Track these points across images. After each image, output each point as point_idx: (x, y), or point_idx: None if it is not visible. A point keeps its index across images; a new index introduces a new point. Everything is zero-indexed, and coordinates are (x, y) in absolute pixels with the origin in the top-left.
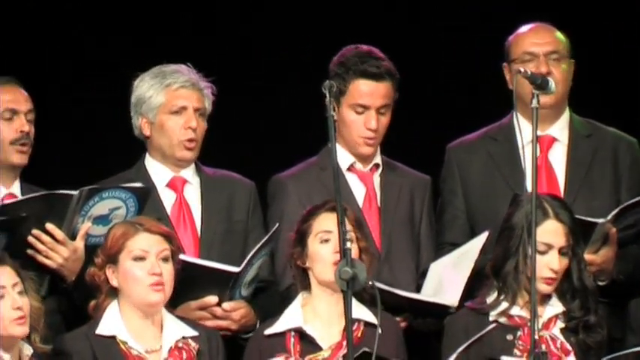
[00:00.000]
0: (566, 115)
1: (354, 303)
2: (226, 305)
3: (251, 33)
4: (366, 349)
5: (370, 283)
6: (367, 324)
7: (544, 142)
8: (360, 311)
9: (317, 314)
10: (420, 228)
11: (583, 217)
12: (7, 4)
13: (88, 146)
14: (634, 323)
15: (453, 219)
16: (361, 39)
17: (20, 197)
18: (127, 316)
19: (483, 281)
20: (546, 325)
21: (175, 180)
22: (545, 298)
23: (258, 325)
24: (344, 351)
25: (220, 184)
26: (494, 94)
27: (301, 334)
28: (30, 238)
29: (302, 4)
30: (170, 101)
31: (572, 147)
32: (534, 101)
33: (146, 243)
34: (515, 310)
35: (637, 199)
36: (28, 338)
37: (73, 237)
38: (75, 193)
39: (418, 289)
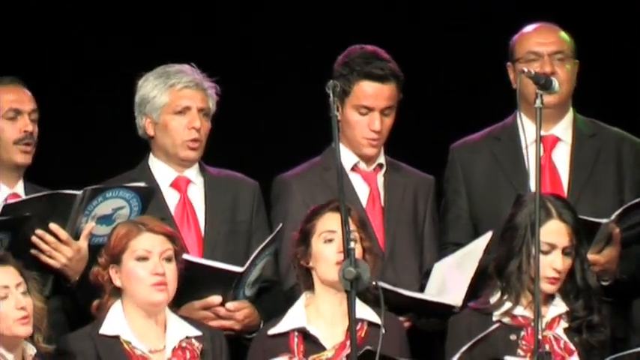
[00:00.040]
0: (569, 114)
1: (358, 303)
2: (230, 305)
3: (251, 33)
4: (369, 348)
5: (374, 283)
6: (371, 324)
7: (548, 141)
8: (364, 311)
9: (320, 314)
10: (423, 228)
11: (586, 217)
12: (7, 4)
13: (91, 146)
14: (637, 323)
15: (456, 219)
16: (361, 39)
17: (24, 197)
18: (131, 316)
19: (487, 281)
20: (550, 325)
21: (179, 180)
22: (549, 298)
23: (261, 325)
24: (347, 351)
25: (224, 184)
26: (497, 93)
27: (305, 334)
28: (34, 238)
29: (302, 4)
30: (174, 101)
31: (576, 147)
32: (538, 101)
33: (149, 243)
34: (519, 310)
35: None
36: (31, 338)
37: (76, 237)
38: (78, 193)
39: (422, 289)
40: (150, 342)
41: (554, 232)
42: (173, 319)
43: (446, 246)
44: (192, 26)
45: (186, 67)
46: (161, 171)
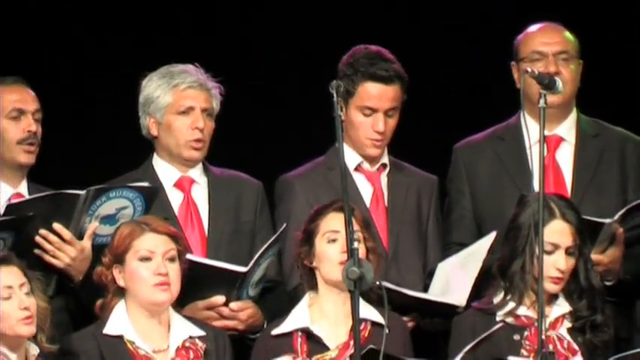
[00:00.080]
0: (573, 114)
1: (361, 303)
2: (233, 305)
3: (251, 33)
4: (373, 347)
5: (377, 282)
6: (374, 324)
7: (551, 141)
8: (367, 311)
9: (324, 314)
10: (427, 228)
11: (590, 217)
12: (8, 4)
13: (91, 146)
14: None
15: (460, 219)
16: (361, 39)
17: (27, 197)
18: (135, 316)
19: (490, 281)
20: (553, 325)
21: (183, 180)
22: (552, 298)
23: (265, 326)
24: (351, 351)
25: (228, 184)
26: (498, 93)
27: (308, 334)
28: (37, 238)
29: (302, 3)
30: (177, 101)
31: (580, 147)
32: (542, 101)
33: (152, 243)
34: (522, 310)
35: None
36: (34, 338)
37: (80, 237)
38: (82, 192)
39: (425, 289)
40: (153, 342)
41: (558, 232)
42: (177, 319)
43: (450, 246)
44: (192, 26)
45: (190, 67)
46: (165, 171)
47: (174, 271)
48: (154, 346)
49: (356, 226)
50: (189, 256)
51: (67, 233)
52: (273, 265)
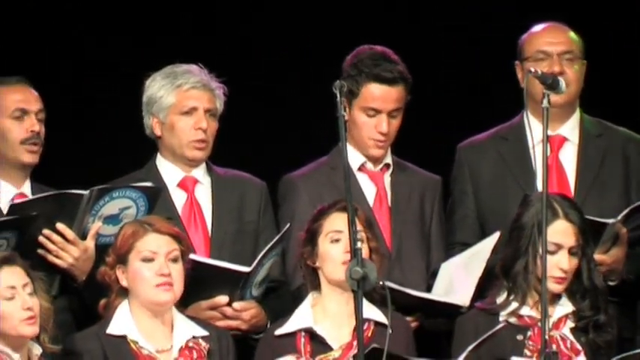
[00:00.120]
0: (576, 114)
1: (365, 303)
2: (237, 305)
3: (251, 33)
4: (376, 346)
5: (381, 282)
6: (377, 324)
7: (555, 141)
8: (371, 311)
9: (327, 314)
10: (430, 228)
11: (593, 218)
12: (8, 4)
13: (93, 146)
14: None
15: (463, 219)
16: (361, 39)
17: (31, 197)
18: (138, 316)
19: (493, 281)
20: (556, 325)
21: (186, 180)
22: (555, 298)
23: (268, 326)
24: (354, 351)
25: (231, 184)
26: (498, 93)
27: (312, 334)
28: (40, 238)
29: (302, 3)
30: (181, 102)
31: (583, 147)
32: (545, 101)
33: (155, 244)
34: (525, 310)
35: None
36: (37, 338)
37: (83, 237)
38: (85, 192)
39: (429, 289)
40: (157, 342)
41: (561, 232)
42: (180, 319)
43: (453, 246)
44: (192, 26)
45: (193, 67)
46: (168, 171)
47: (177, 271)
48: (157, 346)
49: (359, 226)
50: (192, 256)
51: (70, 233)
52: (277, 265)
